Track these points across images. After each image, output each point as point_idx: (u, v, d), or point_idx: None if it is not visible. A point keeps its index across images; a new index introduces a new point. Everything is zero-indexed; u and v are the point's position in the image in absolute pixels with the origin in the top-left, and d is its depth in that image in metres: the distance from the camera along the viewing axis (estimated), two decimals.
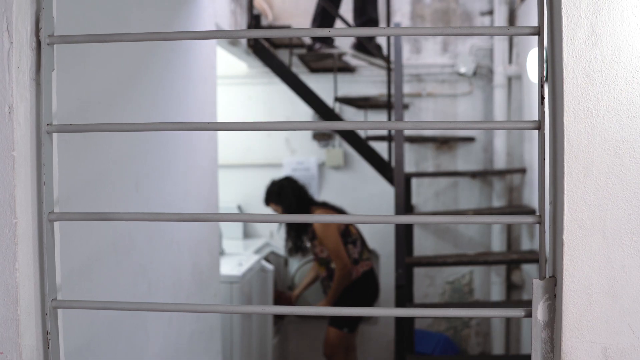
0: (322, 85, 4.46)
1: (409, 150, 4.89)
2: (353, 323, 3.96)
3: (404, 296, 2.78)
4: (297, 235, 4.11)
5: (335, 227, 3.84)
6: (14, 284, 1.00)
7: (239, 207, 5.04)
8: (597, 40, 0.91)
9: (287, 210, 3.97)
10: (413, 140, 4.84)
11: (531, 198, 4.26)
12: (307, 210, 3.92)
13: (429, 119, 4.85)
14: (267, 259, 4.57)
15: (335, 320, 3.94)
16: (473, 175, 4.74)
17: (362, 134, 4.22)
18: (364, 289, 3.90)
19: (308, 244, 4.14)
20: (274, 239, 5.09)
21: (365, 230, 5.00)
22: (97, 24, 2.00)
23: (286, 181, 4.08)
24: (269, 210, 4.21)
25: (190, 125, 1.05)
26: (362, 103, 4.72)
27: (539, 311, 0.97)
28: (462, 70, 4.74)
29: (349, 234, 3.91)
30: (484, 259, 3.57)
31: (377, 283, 4.03)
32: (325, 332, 4.01)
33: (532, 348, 0.99)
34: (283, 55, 4.48)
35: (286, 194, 3.99)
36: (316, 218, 1.07)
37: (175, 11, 2.82)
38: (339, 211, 4.01)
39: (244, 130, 1.04)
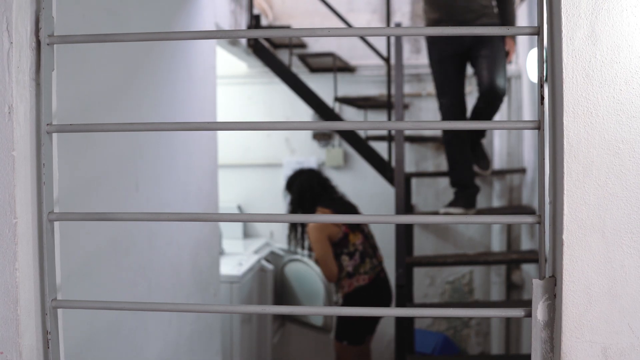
0: (322, 85, 4.47)
1: (409, 150, 4.89)
2: (353, 335, 3.70)
3: (404, 296, 2.78)
4: (296, 230, 3.98)
5: (325, 235, 3.59)
6: (14, 283, 1.00)
7: (239, 207, 5.04)
8: (596, 40, 0.91)
9: (292, 202, 3.84)
10: (413, 140, 4.84)
11: (531, 198, 4.26)
12: (312, 210, 3.72)
13: (429, 118, 4.86)
14: (267, 259, 4.57)
15: (336, 333, 3.74)
16: None
17: (362, 133, 4.22)
18: (358, 304, 3.62)
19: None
20: (274, 239, 5.09)
21: None
22: (97, 24, 2.00)
23: (303, 174, 3.90)
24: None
25: (190, 125, 1.05)
26: (362, 103, 4.72)
27: (539, 311, 0.97)
28: None
29: (346, 245, 3.64)
30: (484, 259, 3.56)
31: (379, 296, 3.71)
32: None
33: (532, 348, 0.99)
34: (283, 55, 4.48)
35: (295, 187, 3.84)
36: (313, 218, 1.07)
37: (175, 11, 2.82)
38: (347, 212, 3.73)
39: (244, 130, 1.04)
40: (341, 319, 3.73)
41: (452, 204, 3.31)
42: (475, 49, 3.18)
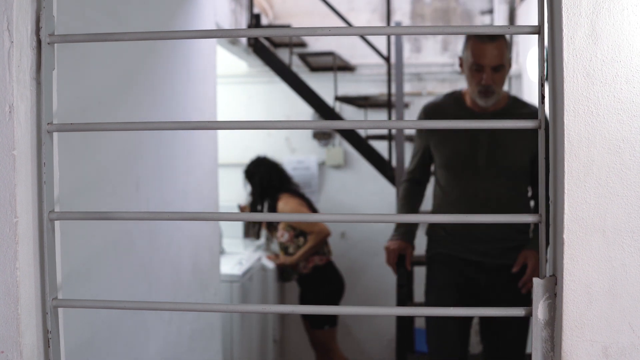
0: (322, 84, 4.46)
1: (409, 149, 4.88)
2: (331, 317, 4.01)
3: (404, 295, 2.78)
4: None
5: (299, 206, 3.91)
6: (14, 283, 1.00)
7: (239, 207, 5.04)
8: (597, 39, 0.91)
9: (253, 194, 4.11)
10: (413, 139, 4.82)
11: None
12: (274, 198, 4.00)
13: None
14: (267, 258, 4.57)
15: (313, 322, 4.02)
16: None
17: (362, 133, 4.22)
18: (317, 285, 3.96)
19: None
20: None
21: (365, 230, 4.98)
22: (97, 23, 2.00)
23: (261, 166, 4.16)
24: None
25: (190, 124, 1.05)
26: (362, 102, 4.72)
27: (540, 310, 0.97)
28: None
29: None
30: None
31: (337, 276, 4.05)
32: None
33: (533, 347, 0.99)
34: (283, 54, 4.48)
35: (255, 178, 4.11)
36: (315, 217, 1.07)
37: (175, 11, 2.82)
38: (307, 201, 4.07)
39: (244, 129, 1.04)
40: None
41: None
42: (487, 301, 2.28)
